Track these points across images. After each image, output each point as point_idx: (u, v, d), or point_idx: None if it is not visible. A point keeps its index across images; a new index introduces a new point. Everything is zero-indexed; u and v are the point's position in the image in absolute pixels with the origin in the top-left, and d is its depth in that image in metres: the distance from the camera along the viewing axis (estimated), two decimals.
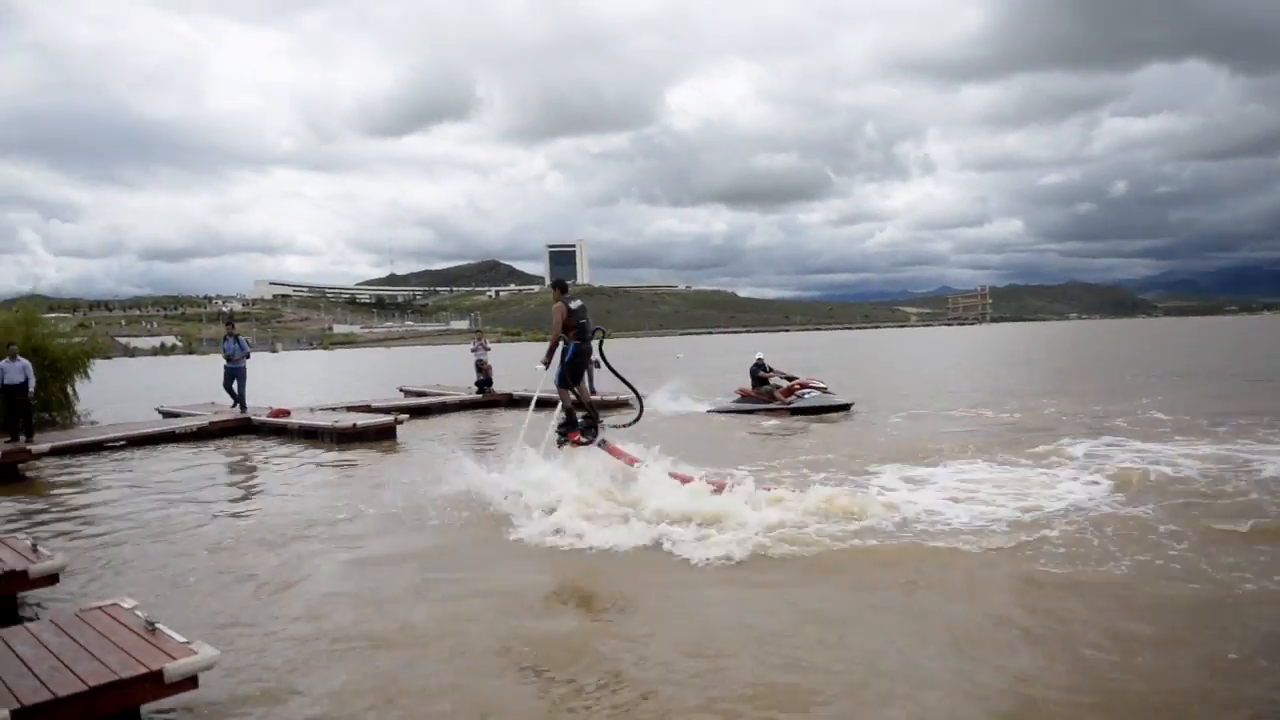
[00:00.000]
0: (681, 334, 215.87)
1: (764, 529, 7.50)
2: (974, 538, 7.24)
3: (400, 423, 16.35)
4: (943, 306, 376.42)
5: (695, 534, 7.46)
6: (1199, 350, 42.34)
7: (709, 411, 19.08)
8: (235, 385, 18.56)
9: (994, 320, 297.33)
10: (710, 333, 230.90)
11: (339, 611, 5.99)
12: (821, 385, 18.75)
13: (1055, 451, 11.65)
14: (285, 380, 42.59)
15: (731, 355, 54.84)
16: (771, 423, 16.98)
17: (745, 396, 19.10)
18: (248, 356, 18.76)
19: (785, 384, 18.82)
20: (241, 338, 18.51)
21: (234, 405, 18.68)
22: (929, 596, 5.91)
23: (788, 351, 61.96)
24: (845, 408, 17.97)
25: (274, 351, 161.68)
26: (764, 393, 18.78)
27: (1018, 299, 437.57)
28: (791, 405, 18.14)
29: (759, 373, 19.22)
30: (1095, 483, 9.35)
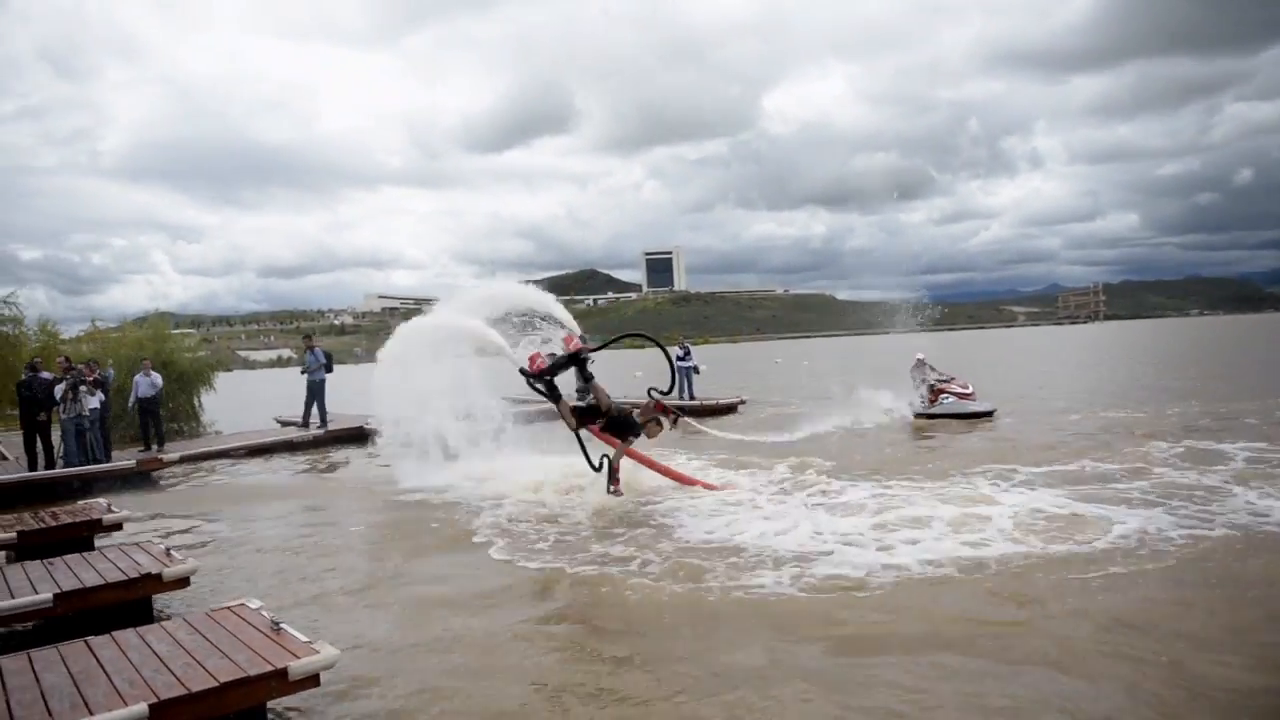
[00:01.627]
0: (781, 338, 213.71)
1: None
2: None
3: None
4: (1052, 305, 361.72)
5: None
6: None
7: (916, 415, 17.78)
8: (314, 400, 18.16)
9: (1108, 318, 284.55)
10: (810, 336, 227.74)
11: (446, 617, 6.15)
12: (964, 389, 17.78)
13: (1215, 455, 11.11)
14: None
15: (833, 358, 53.92)
16: (869, 426, 16.61)
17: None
18: (328, 370, 18.20)
19: (937, 385, 17.90)
20: (318, 349, 18.13)
21: (303, 424, 18.29)
22: None
23: (883, 356, 60.59)
24: (987, 414, 16.93)
25: None
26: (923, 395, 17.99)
27: (1134, 295, 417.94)
28: (931, 411, 17.40)
29: (914, 374, 18.38)
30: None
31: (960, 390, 17.76)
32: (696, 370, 22.34)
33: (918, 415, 17.51)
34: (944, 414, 17.16)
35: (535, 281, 12.64)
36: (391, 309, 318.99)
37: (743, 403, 21.50)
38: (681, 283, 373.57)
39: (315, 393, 18.20)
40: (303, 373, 18.31)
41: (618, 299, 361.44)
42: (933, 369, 18.44)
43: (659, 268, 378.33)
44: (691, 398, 21.53)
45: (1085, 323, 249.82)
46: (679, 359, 22.21)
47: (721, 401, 21.24)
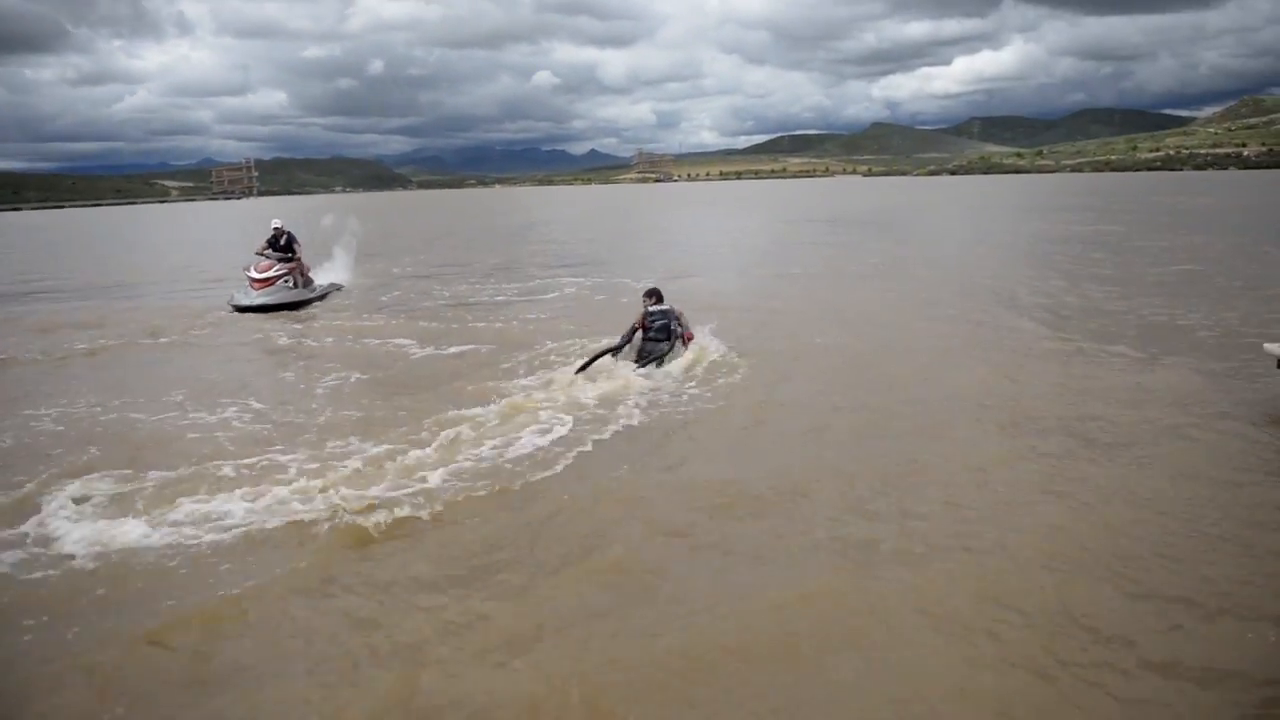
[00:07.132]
0: None
1: None
2: None
3: None
4: (207, 180, 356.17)
5: None
6: (462, 217, 49.69)
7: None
8: None
9: (262, 194, 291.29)
10: None
11: None
12: (259, 274, 13.80)
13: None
14: None
15: None
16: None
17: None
18: None
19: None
20: None
21: None
22: None
23: (34, 233, 55.22)
24: (273, 307, 13.53)
25: None
26: None
27: (285, 172, 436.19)
28: (240, 303, 13.61)
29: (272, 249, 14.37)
30: None
31: (254, 275, 13.84)
32: None
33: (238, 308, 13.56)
34: (247, 306, 13.44)
35: None
36: None
37: None
38: None
39: None
40: None
41: None
42: (288, 242, 14.59)
43: None
44: None
45: (240, 198, 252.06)
46: None
47: None
